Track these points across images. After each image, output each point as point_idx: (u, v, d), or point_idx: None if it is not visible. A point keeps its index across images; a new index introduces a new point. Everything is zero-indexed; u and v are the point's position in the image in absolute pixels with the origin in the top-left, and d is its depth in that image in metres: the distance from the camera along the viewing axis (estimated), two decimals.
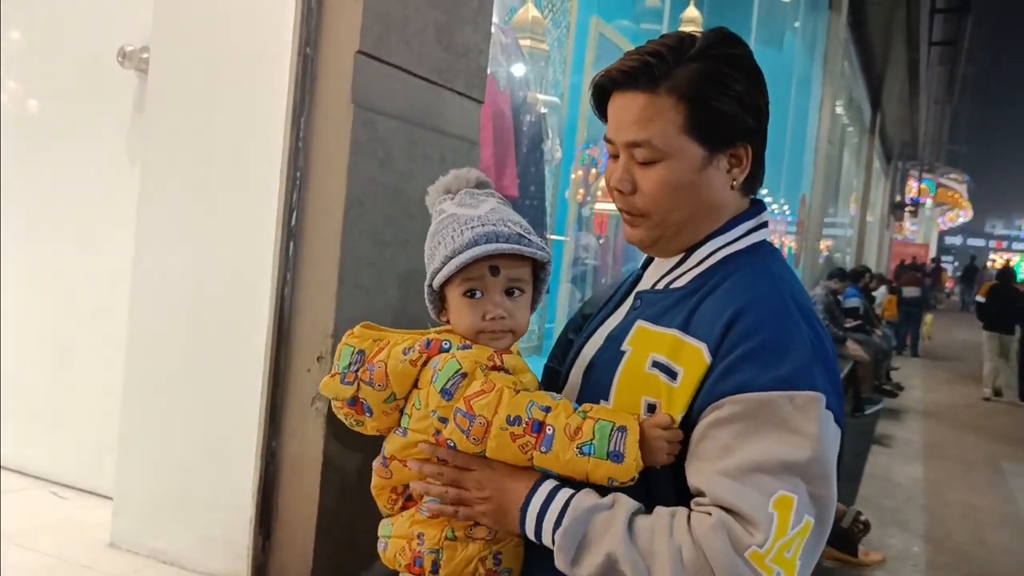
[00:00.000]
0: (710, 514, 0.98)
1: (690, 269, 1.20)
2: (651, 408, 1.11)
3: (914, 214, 30.58)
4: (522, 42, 3.97)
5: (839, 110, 12.34)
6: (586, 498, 1.08)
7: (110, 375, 2.37)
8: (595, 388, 1.21)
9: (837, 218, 15.78)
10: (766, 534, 0.93)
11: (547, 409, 1.14)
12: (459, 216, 1.25)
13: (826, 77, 10.93)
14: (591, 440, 1.08)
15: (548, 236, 4.11)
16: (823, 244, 13.58)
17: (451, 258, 1.21)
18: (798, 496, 0.95)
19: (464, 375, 1.17)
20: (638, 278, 1.36)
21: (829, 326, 8.00)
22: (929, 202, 32.93)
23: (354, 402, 1.28)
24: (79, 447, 2.68)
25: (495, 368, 1.19)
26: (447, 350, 1.22)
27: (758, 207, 1.24)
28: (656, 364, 1.11)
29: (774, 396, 0.98)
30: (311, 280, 1.96)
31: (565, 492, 1.10)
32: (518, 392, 1.16)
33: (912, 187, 27.83)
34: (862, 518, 3.60)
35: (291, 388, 2.00)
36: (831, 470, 1.00)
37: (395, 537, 1.28)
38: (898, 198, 26.82)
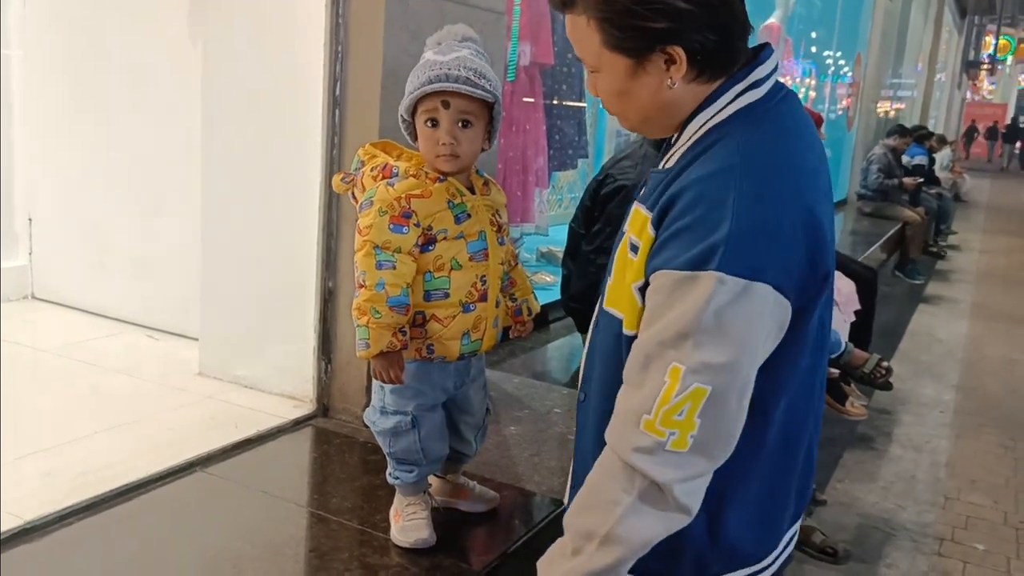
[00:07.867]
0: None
1: (681, 147, 1.20)
2: (641, 290, 1.13)
3: (991, 72, 29.05)
4: None
5: None
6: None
7: (190, 236, 2.72)
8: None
9: (903, 79, 15.16)
10: (652, 402, 1.04)
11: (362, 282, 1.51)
12: (430, 61, 1.55)
13: None
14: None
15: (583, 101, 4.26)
16: (887, 106, 13.13)
17: (412, 93, 1.54)
18: (685, 365, 1.03)
19: (371, 203, 1.52)
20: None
21: (884, 183, 7.91)
22: (1009, 59, 31.15)
23: (354, 196, 1.66)
24: (168, 297, 3.08)
25: (403, 213, 1.51)
26: (395, 175, 1.56)
27: (750, 67, 1.18)
28: (631, 246, 1.17)
29: (685, 275, 1.03)
30: (355, 143, 2.21)
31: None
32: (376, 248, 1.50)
33: (990, 44, 26.29)
34: (884, 364, 3.70)
35: (342, 239, 2.31)
36: (730, 339, 1.03)
37: None
38: (972, 55, 25.41)
